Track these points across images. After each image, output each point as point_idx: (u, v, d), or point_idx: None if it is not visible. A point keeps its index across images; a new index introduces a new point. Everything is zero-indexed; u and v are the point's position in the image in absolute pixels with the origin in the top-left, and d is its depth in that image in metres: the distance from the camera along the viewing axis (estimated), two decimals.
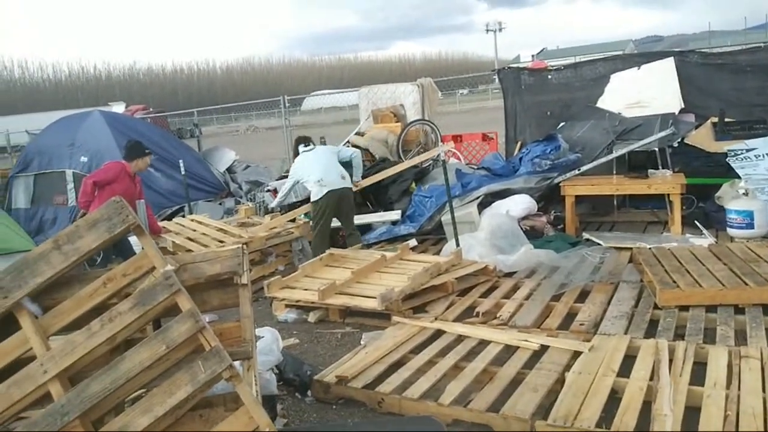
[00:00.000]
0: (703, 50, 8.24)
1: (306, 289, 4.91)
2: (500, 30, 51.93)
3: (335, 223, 6.16)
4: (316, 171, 6.02)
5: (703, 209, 6.23)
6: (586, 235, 6.16)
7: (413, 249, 6.05)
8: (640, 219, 6.76)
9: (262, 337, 3.33)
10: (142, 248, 2.61)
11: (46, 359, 2.31)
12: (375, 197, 7.60)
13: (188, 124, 35.53)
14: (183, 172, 7.67)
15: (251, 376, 2.36)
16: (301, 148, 6.31)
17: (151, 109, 35.97)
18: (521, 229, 5.93)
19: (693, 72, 7.41)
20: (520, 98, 8.51)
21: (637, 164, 6.71)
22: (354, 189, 6.31)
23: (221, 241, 5.89)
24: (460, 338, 4.05)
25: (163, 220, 7.88)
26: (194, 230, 6.39)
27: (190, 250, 5.50)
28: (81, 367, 2.35)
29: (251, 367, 2.40)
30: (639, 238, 5.95)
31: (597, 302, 4.46)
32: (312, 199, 6.05)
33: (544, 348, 3.74)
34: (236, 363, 2.36)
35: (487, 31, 51.86)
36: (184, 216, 8.14)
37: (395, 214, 7.10)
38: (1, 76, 69.67)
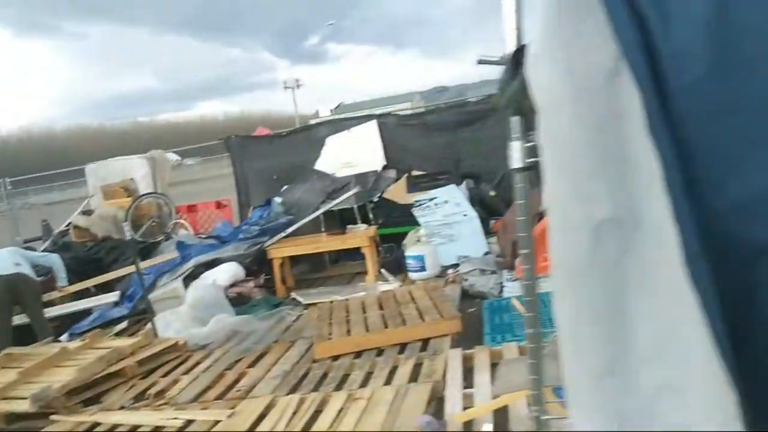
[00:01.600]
0: (399, 112, 9.21)
1: None
2: (298, 87, 53.30)
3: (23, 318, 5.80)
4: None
5: (397, 256, 6.89)
6: (293, 295, 6.48)
7: (122, 332, 5.89)
8: (350, 271, 7.26)
9: None
10: None
11: None
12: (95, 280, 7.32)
13: None
14: None
15: None
16: None
17: None
18: (227, 297, 6.06)
19: (393, 132, 8.25)
20: (250, 164, 8.82)
21: (346, 221, 7.26)
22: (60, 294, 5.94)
23: None
24: (114, 427, 4.00)
25: None
26: None
27: None
28: None
29: None
30: (339, 291, 6.38)
31: (266, 364, 4.69)
32: None
33: (189, 422, 3.83)
34: None
35: (285, 88, 52.97)
36: None
37: (113, 296, 6.87)
38: None
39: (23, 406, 4.25)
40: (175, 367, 5.00)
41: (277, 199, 7.50)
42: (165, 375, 4.86)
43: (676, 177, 0.69)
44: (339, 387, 4.04)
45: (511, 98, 1.43)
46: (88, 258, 7.18)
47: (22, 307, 5.76)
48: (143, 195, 8.61)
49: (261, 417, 3.72)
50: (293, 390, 4.12)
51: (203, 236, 7.89)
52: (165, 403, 4.26)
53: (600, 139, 0.75)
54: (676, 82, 0.70)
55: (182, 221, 8.33)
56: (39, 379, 4.71)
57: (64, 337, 6.14)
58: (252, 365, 4.75)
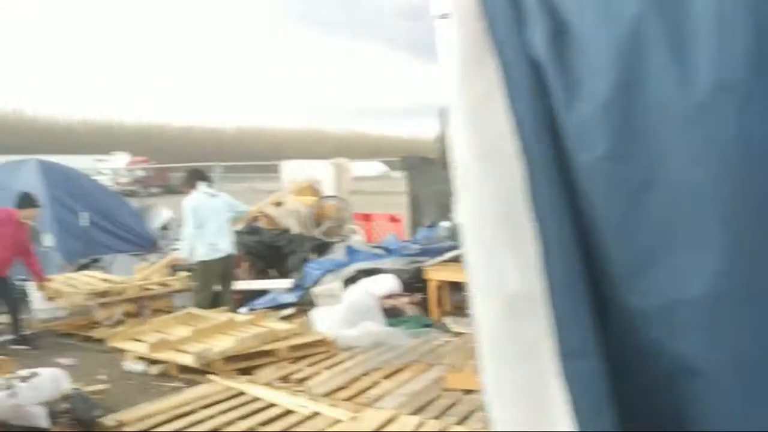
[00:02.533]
0: None
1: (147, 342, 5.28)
2: None
3: None
4: (212, 229, 6.23)
5: None
6: (444, 320, 6.54)
7: (288, 317, 6.44)
8: None
9: (39, 375, 3.71)
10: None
11: None
12: (276, 265, 8.04)
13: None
14: (85, 223, 8.19)
15: None
16: (201, 186, 6.41)
17: (154, 162, 37.00)
18: (381, 307, 6.32)
19: None
20: (427, 185, 9.09)
21: None
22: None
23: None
24: (255, 400, 4.40)
25: (79, 268, 8.34)
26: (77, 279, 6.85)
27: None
28: None
29: None
30: None
31: (399, 379, 4.83)
32: (199, 258, 6.32)
33: (315, 414, 4.10)
34: None
35: None
36: (102, 267, 8.64)
37: (286, 283, 7.50)
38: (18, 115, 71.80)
39: (187, 360, 4.85)
40: (320, 361, 5.34)
41: (444, 224, 7.64)
42: (310, 365, 5.22)
43: (561, 260, 0.65)
44: (461, 422, 4.03)
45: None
46: (271, 244, 7.94)
47: (223, 279, 6.46)
48: (327, 197, 9.30)
49: (378, 428, 3.85)
50: (416, 412, 4.19)
51: (373, 245, 8.28)
52: (302, 390, 4.58)
53: (507, 210, 0.72)
54: (579, 158, 0.65)
55: (356, 227, 8.85)
56: (206, 340, 5.33)
57: (243, 309, 6.82)
58: (387, 377, 4.91)
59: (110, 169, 29.69)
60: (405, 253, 6.94)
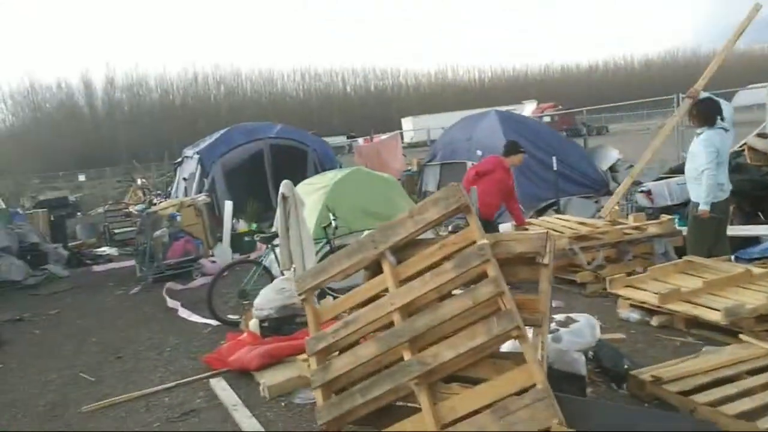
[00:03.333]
0: None
1: (651, 292, 4.85)
2: None
3: None
4: (723, 167, 5.34)
5: None
6: None
7: None
8: None
9: (577, 321, 3.59)
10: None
11: (393, 296, 3.10)
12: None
13: (596, 122, 35.65)
14: (554, 168, 8.13)
15: (538, 342, 2.72)
16: (718, 121, 5.31)
17: (560, 107, 37.45)
18: None
19: None
20: None
21: None
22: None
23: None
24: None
25: (535, 213, 8.54)
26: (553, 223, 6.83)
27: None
28: (414, 306, 3.07)
29: (540, 335, 2.75)
30: None
31: None
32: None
33: None
34: (528, 328, 2.75)
35: None
36: (557, 209, 8.66)
37: None
38: (435, 81, 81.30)
39: (712, 316, 4.22)
40: None
41: None
42: None
43: None
44: None
45: None
46: (764, 183, 6.65)
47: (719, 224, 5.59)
48: None
49: None
50: None
51: None
52: None
53: None
54: None
55: None
56: (721, 293, 4.62)
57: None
58: None
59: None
60: None
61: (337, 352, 3.28)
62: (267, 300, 5.21)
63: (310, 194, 7.25)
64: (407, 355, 2.89)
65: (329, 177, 7.86)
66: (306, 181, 8.10)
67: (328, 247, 6.49)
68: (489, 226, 6.49)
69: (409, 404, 2.95)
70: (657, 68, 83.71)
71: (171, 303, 7.16)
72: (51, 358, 5.71)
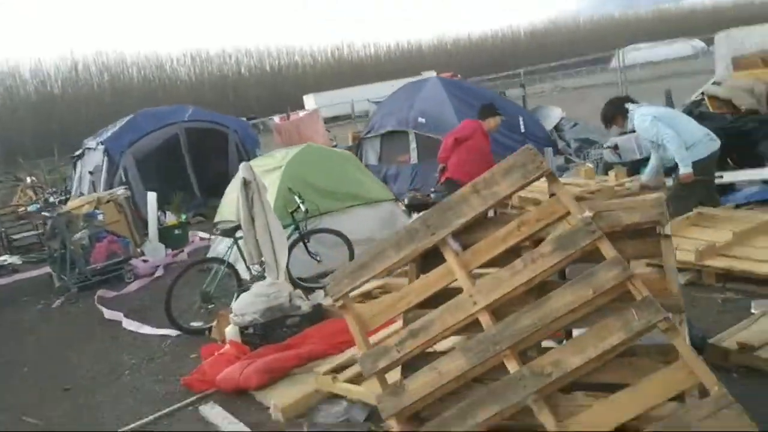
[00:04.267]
0: None
1: (684, 249, 4.49)
2: None
3: None
4: (695, 126, 5.17)
5: None
6: None
7: None
8: None
9: None
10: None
11: (475, 292, 2.47)
12: (739, 153, 6.64)
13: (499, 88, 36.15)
14: (522, 130, 7.73)
15: (684, 330, 2.20)
16: (634, 107, 5.18)
17: (459, 76, 37.63)
18: None
19: None
20: None
21: None
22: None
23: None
24: None
25: None
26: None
27: (538, 202, 5.52)
28: (503, 303, 2.46)
29: (683, 321, 2.24)
30: None
31: None
32: (699, 157, 5.05)
33: None
34: None
35: None
36: None
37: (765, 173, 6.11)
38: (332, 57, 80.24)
39: (764, 268, 3.95)
40: None
41: None
42: None
43: None
44: None
45: None
46: (734, 129, 6.53)
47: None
48: None
49: None
50: None
51: None
52: None
53: None
54: None
55: None
56: (754, 244, 4.36)
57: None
58: None
59: None
60: None
61: (399, 368, 2.62)
62: (247, 303, 4.41)
63: (263, 177, 6.40)
64: (512, 366, 2.29)
65: (278, 157, 7.00)
66: (251, 163, 7.20)
67: (297, 234, 5.73)
68: None
69: (516, 423, 2.34)
70: (541, 36, 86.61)
71: (110, 314, 6.13)
72: None
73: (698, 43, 35.33)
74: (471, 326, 2.49)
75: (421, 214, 3.07)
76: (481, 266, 2.63)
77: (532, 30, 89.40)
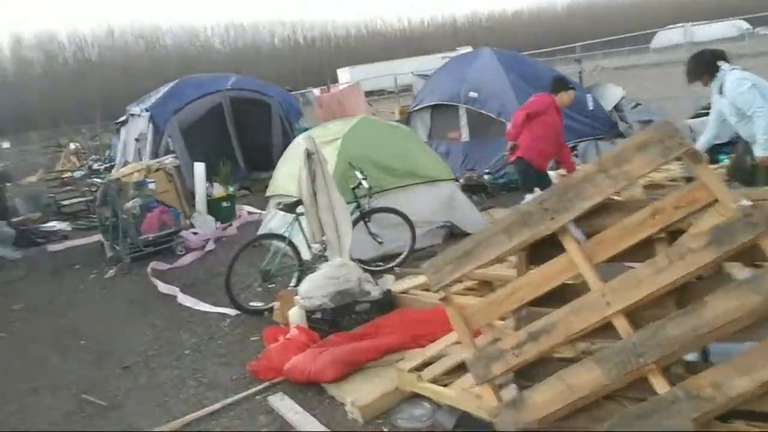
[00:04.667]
0: None
1: None
2: None
3: None
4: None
5: None
6: None
7: None
8: None
9: None
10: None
11: (608, 291, 2.18)
12: None
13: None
14: (591, 107, 7.31)
15: None
16: (728, 67, 4.52)
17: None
18: None
19: None
20: None
21: None
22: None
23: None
24: None
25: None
26: None
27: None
28: (642, 305, 2.16)
29: None
30: None
31: None
32: None
33: None
34: None
35: None
36: (576, 155, 7.88)
37: None
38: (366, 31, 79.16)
39: None
40: None
41: None
42: None
43: None
44: None
45: None
46: None
47: None
48: None
49: None
50: None
51: None
52: None
53: None
54: None
55: None
56: None
57: None
58: None
59: None
60: None
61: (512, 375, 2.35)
62: (317, 286, 4.18)
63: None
64: (659, 384, 2.00)
65: (334, 129, 6.71)
66: (305, 134, 6.92)
67: (358, 213, 5.47)
68: (544, 178, 5.63)
69: None
70: (581, 14, 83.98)
71: (165, 288, 5.99)
72: (32, 374, 4.50)
73: (742, 24, 33.65)
74: (599, 331, 2.20)
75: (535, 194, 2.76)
76: (610, 259, 2.34)
77: (569, 5, 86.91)
